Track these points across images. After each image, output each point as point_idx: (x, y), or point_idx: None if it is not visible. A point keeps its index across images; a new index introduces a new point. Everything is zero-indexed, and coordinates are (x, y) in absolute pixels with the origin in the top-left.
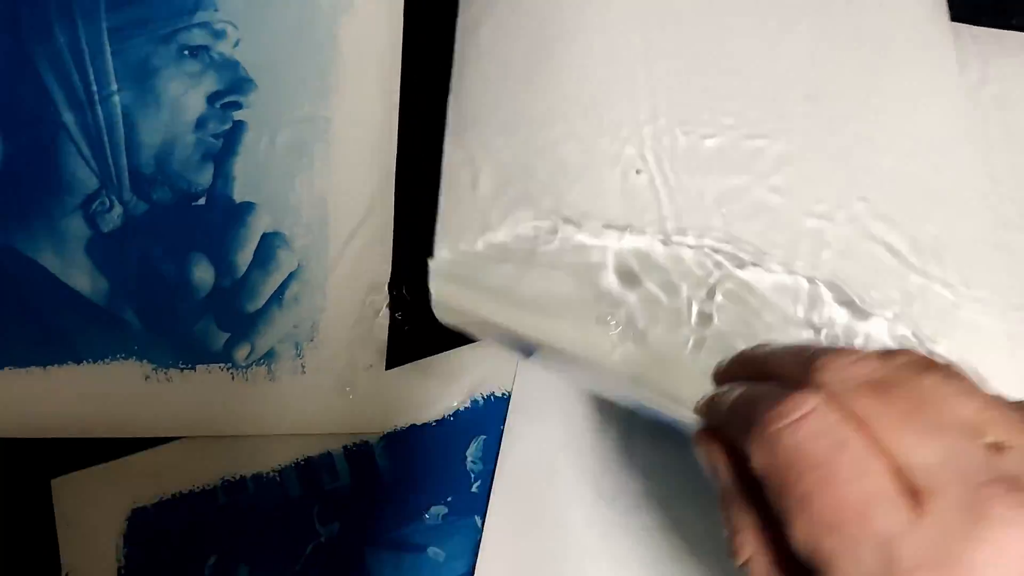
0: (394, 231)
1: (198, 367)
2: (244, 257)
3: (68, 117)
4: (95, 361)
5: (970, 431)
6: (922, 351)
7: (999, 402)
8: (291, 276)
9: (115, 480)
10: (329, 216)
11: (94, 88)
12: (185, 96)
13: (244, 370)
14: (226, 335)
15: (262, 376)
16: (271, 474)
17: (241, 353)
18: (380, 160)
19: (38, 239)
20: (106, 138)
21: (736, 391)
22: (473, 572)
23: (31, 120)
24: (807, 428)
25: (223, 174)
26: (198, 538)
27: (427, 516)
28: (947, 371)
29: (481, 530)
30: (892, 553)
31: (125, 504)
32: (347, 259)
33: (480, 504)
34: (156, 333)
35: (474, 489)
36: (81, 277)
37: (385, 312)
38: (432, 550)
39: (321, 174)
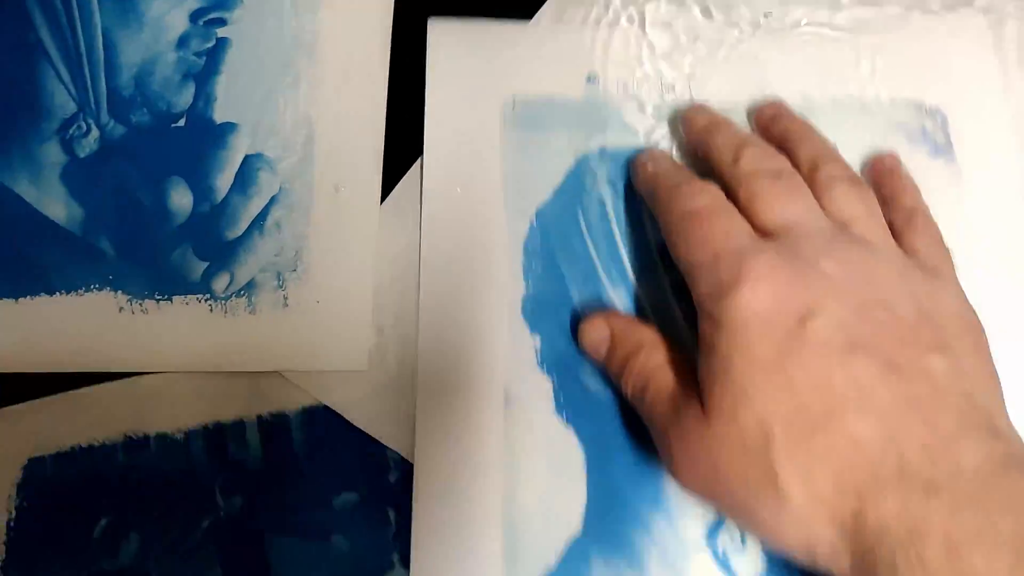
0: (384, 154)
1: (175, 298)
2: (224, 181)
3: (47, 38)
4: (68, 292)
5: (827, 209)
6: None
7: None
8: (273, 200)
9: (19, 424)
10: (315, 137)
11: (74, 7)
12: (167, 14)
13: (223, 302)
14: (204, 264)
15: (242, 308)
16: (177, 435)
17: (220, 284)
18: (370, 80)
19: (14, 166)
20: (85, 58)
21: (664, 164)
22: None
23: (8, 42)
24: (700, 199)
25: (204, 94)
26: (92, 497)
27: (336, 502)
28: (850, 179)
29: (393, 524)
30: (742, 264)
31: (24, 451)
32: (334, 184)
33: (395, 496)
34: (132, 262)
35: (391, 479)
36: (56, 205)
37: (374, 239)
38: (336, 538)
39: (307, 94)
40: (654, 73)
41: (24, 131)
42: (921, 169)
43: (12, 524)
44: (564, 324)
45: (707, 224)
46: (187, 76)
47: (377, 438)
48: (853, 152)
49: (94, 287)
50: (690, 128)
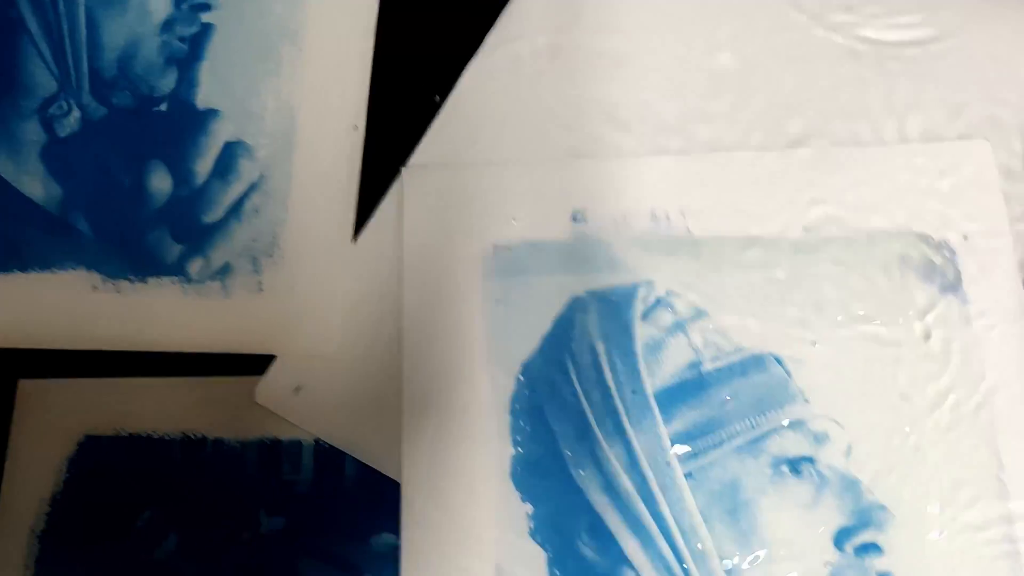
0: (364, 146)
1: (149, 279)
2: (204, 166)
3: (28, 14)
4: (43, 270)
5: None
6: None
7: None
8: (252, 187)
9: (80, 398)
10: (296, 126)
11: None
12: None
13: (197, 284)
14: (180, 247)
15: (216, 292)
16: (234, 443)
17: (194, 266)
18: (354, 70)
19: None
20: (67, 38)
21: None
22: None
23: None
24: None
25: (187, 79)
26: (141, 488)
27: (374, 542)
28: None
29: None
30: None
31: (81, 427)
32: (313, 172)
33: None
34: (108, 243)
35: None
36: (34, 183)
37: (351, 226)
38: None
39: (290, 81)
40: (646, 206)
41: (3, 108)
42: (930, 306)
43: (58, 497)
44: (558, 487)
45: None
46: (170, 60)
47: None
48: (857, 286)
49: (69, 266)
50: None
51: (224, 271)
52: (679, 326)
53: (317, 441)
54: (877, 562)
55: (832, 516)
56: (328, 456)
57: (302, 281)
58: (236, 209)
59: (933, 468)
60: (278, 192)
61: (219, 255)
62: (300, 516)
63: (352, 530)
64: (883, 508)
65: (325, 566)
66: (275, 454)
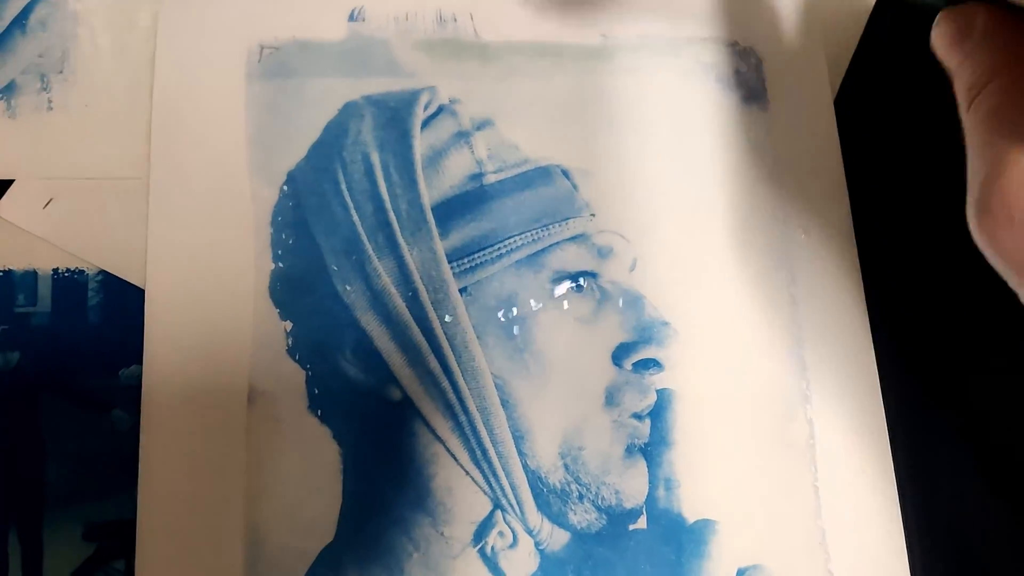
0: None
1: None
2: None
3: None
4: None
5: None
6: None
7: None
8: None
9: None
10: None
11: None
12: None
13: None
14: None
15: (0, 112)
16: None
17: None
18: None
19: None
20: None
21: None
22: None
23: None
24: None
25: None
26: None
27: (123, 373)
28: None
29: None
30: None
31: None
32: None
33: None
34: None
35: None
36: None
37: (154, 38)
38: (117, 413)
39: None
40: (431, 5)
41: None
42: (732, 115)
43: None
44: (321, 304)
45: None
46: None
47: None
48: (656, 94)
49: None
50: None
51: (8, 90)
52: (462, 136)
53: (55, 270)
54: (657, 378)
55: (612, 332)
56: (68, 285)
57: (97, 99)
58: (20, 22)
59: (720, 283)
60: (67, 2)
61: (3, 73)
62: (38, 350)
63: (97, 362)
64: (666, 324)
65: (69, 402)
66: (7, 285)
